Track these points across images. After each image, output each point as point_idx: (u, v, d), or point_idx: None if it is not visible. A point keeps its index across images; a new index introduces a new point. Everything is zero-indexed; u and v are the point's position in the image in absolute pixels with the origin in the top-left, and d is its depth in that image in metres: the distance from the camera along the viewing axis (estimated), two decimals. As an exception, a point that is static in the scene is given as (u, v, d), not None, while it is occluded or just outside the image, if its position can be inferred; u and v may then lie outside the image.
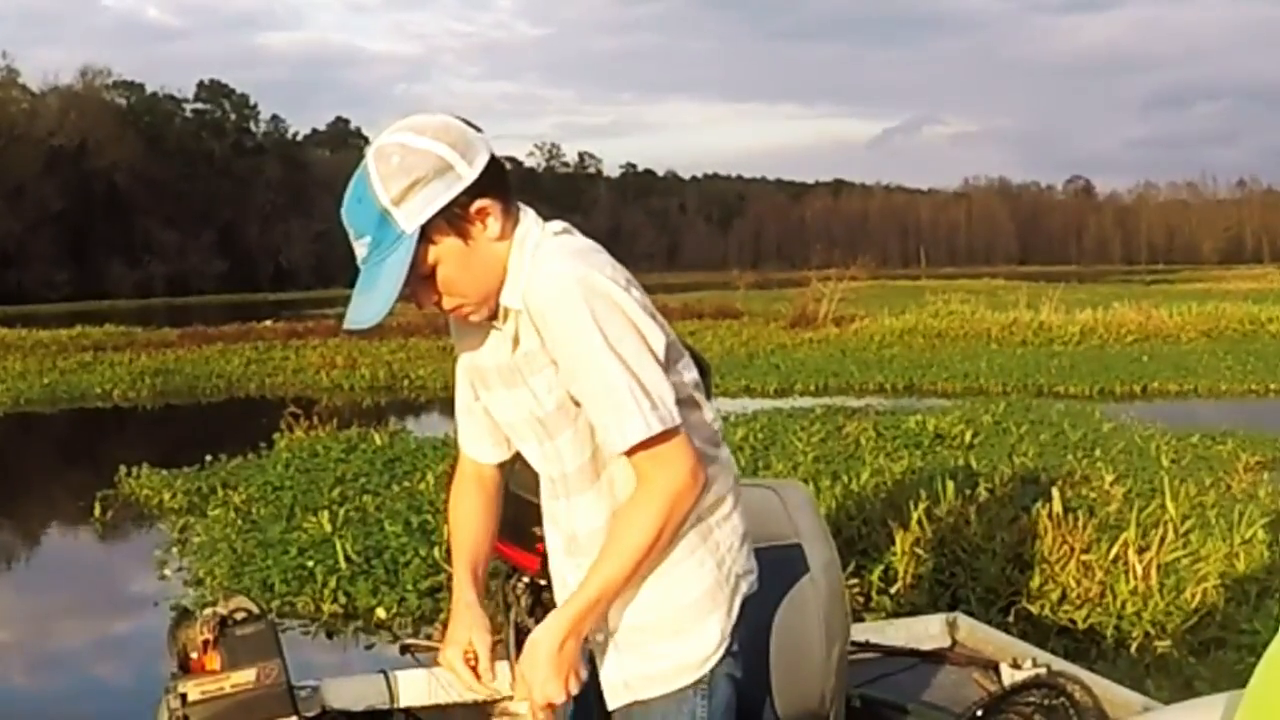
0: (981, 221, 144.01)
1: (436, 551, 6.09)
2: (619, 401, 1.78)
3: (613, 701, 1.99)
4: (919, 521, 5.81)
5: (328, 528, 6.83)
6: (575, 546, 1.99)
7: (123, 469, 9.62)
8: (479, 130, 1.86)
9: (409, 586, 5.96)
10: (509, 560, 3.08)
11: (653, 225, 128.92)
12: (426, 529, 6.65)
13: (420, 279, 1.84)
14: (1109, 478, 7.30)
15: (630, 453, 1.82)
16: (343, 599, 5.99)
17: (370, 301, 1.80)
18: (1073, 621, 5.17)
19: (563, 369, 1.84)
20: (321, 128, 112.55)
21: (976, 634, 3.69)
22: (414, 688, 3.23)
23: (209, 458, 9.77)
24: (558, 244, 1.87)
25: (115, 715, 4.98)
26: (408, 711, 3.21)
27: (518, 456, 2.09)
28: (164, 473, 9.44)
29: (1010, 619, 5.16)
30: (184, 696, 2.62)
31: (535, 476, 2.05)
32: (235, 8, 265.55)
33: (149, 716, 2.84)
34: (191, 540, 7.57)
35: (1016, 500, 6.45)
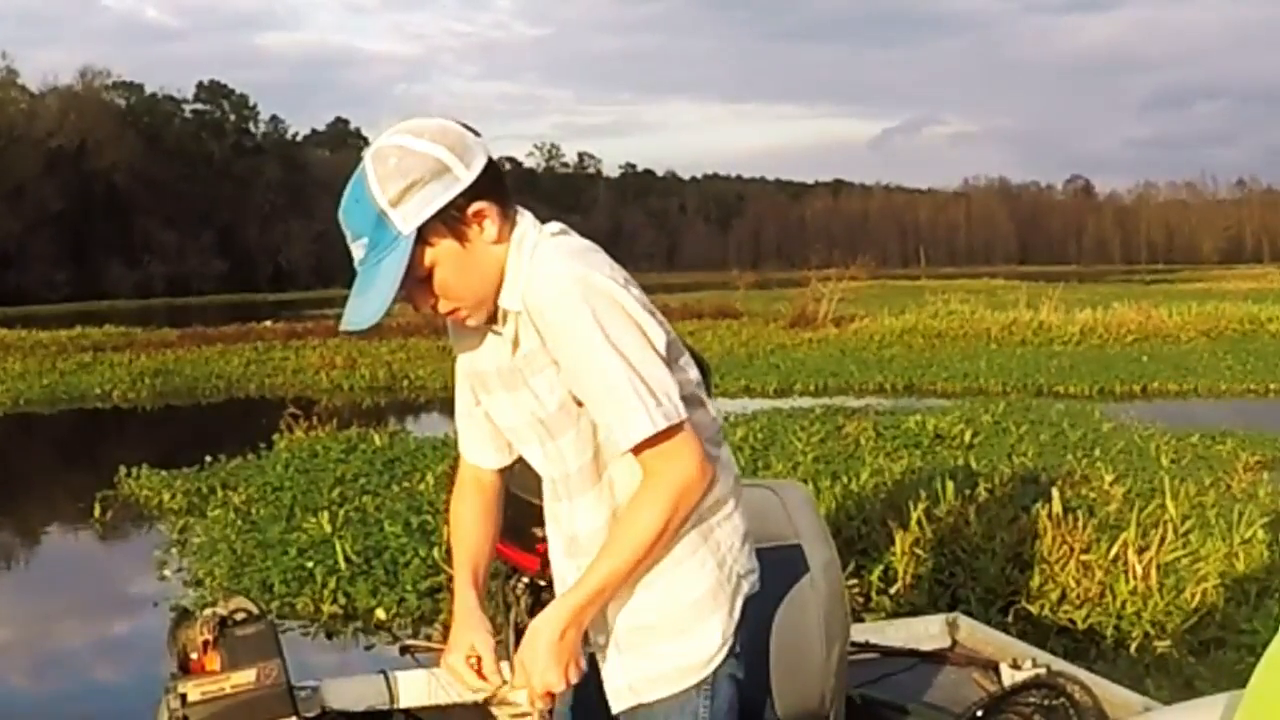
0: (981, 221, 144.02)
1: (436, 552, 6.09)
2: (622, 399, 1.78)
3: (616, 705, 1.99)
4: (919, 521, 5.81)
5: (327, 528, 6.83)
6: (576, 547, 1.99)
7: (122, 469, 9.62)
8: (477, 133, 1.87)
9: (409, 587, 5.96)
10: (509, 561, 3.08)
11: (652, 225, 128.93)
12: (426, 529, 6.65)
13: (417, 281, 1.84)
14: (1109, 478, 7.30)
15: (636, 450, 1.81)
16: (342, 599, 5.99)
17: (367, 303, 1.80)
18: (1072, 621, 5.17)
19: (564, 369, 1.84)
20: (321, 128, 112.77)
21: (976, 634, 3.69)
22: (414, 688, 3.24)
23: (209, 458, 9.76)
24: (555, 245, 1.87)
25: (115, 715, 4.97)
26: (408, 712, 3.22)
27: (519, 458, 2.09)
28: (164, 473, 9.44)
29: (1010, 619, 5.16)
30: (184, 697, 2.62)
31: (535, 477, 2.05)
32: (235, 8, 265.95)
33: (149, 717, 2.84)
34: (191, 541, 7.57)
35: (1016, 500, 6.45)
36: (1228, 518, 6.02)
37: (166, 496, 8.81)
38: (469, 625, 1.99)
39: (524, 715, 1.85)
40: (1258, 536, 5.70)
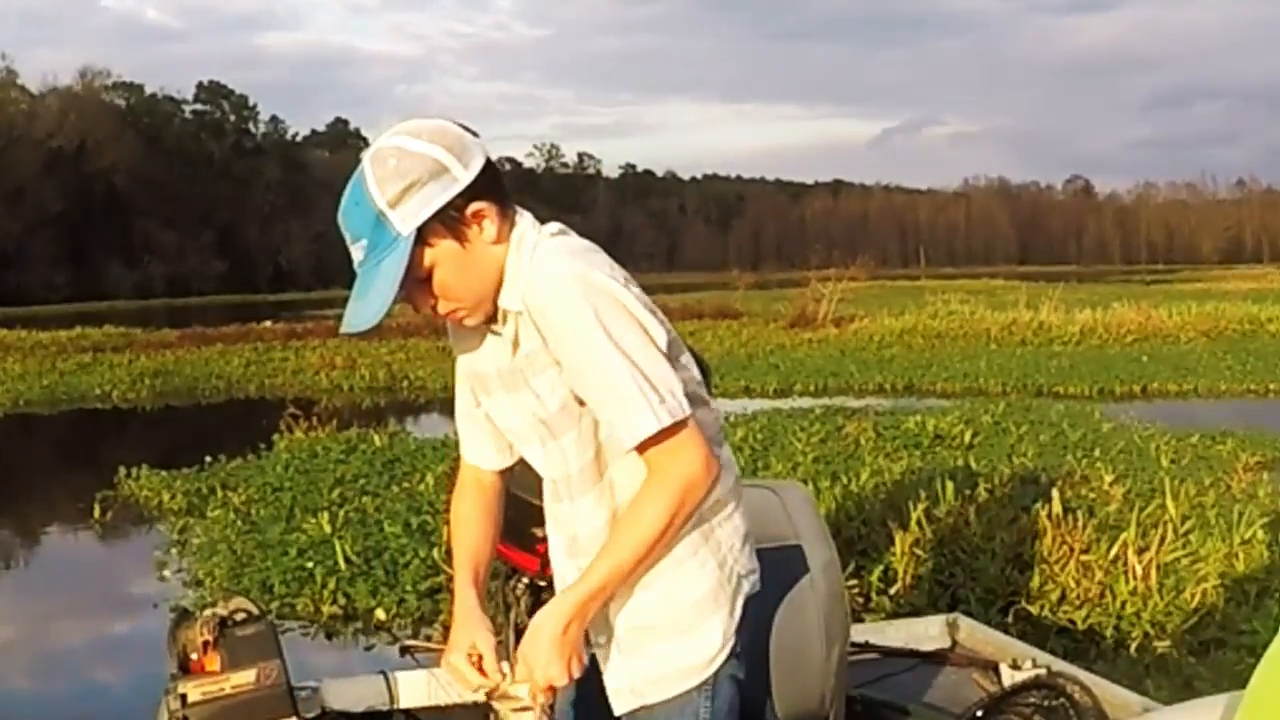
0: (981, 222, 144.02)
1: (436, 552, 6.09)
2: (626, 397, 1.78)
3: (618, 707, 1.99)
4: (918, 522, 5.81)
5: (327, 529, 6.83)
6: (577, 548, 1.99)
7: (122, 470, 9.62)
8: (475, 134, 1.87)
9: (408, 587, 5.96)
10: (509, 561, 3.08)
11: (652, 226, 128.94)
12: (426, 530, 6.65)
13: (416, 282, 1.84)
14: (1108, 478, 7.30)
15: (641, 448, 1.81)
16: (342, 600, 5.99)
17: (367, 304, 1.81)
18: (1072, 622, 5.17)
19: (567, 368, 1.84)
20: (321, 128, 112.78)
21: (976, 635, 3.69)
22: (414, 689, 3.24)
23: (208, 459, 9.76)
24: (555, 244, 1.87)
25: (115, 716, 4.97)
26: (408, 712, 3.22)
27: (519, 458, 2.09)
28: (163, 474, 9.43)
29: (1010, 619, 5.16)
30: (184, 697, 2.62)
31: (535, 477, 2.05)
32: (234, 9, 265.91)
33: (149, 717, 2.84)
34: (191, 541, 7.57)
35: (1016, 500, 6.45)
36: (1227, 518, 6.02)
37: (166, 497, 8.81)
38: (469, 624, 1.99)
39: (525, 709, 1.84)
40: (1258, 537, 5.70)
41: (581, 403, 1.88)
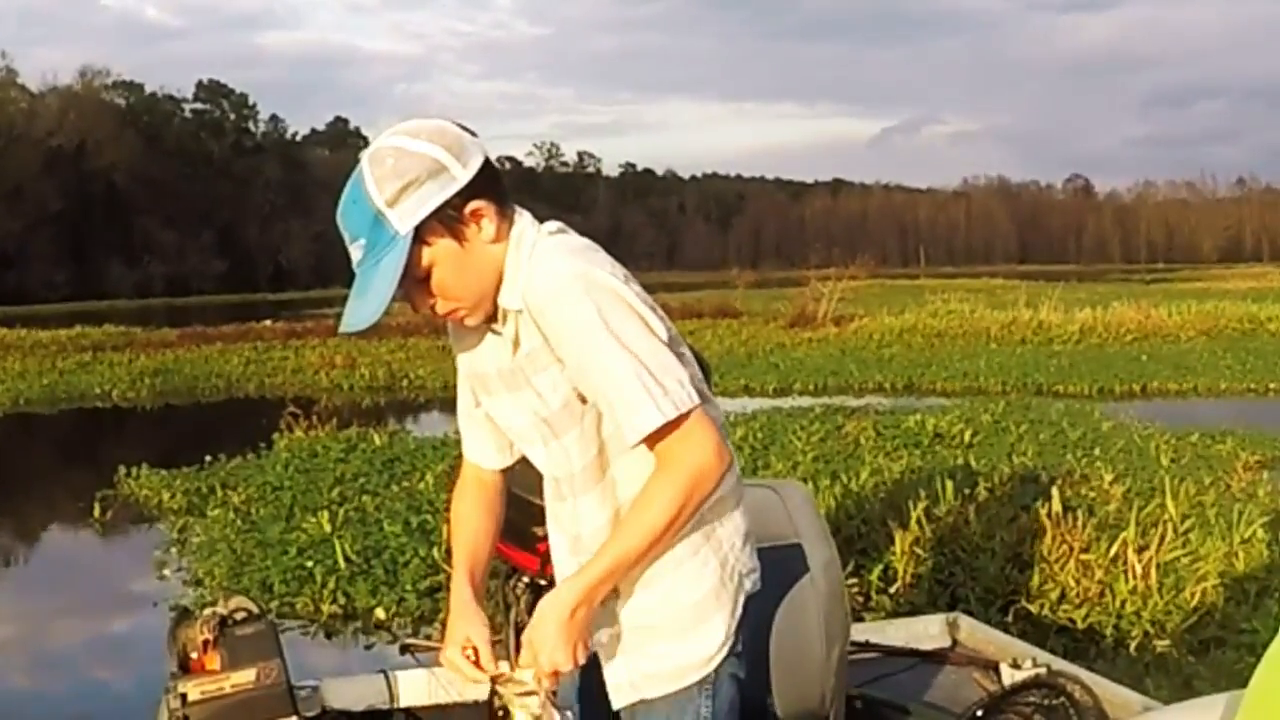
0: (981, 221, 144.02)
1: (436, 552, 6.09)
2: (630, 393, 1.78)
3: (618, 701, 1.99)
4: (918, 521, 5.81)
5: (327, 528, 6.83)
6: (580, 546, 1.98)
7: (122, 469, 9.62)
8: (474, 134, 1.87)
9: (408, 587, 5.96)
10: (509, 560, 3.08)
11: (652, 225, 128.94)
12: (426, 529, 6.65)
13: (415, 282, 1.84)
14: (1108, 477, 7.30)
15: (650, 441, 1.80)
16: (342, 599, 5.99)
17: (365, 304, 1.81)
18: (1072, 621, 5.17)
19: (569, 366, 1.84)
20: (321, 127, 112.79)
21: (976, 634, 3.69)
22: (414, 688, 3.23)
23: (208, 458, 9.77)
24: (554, 243, 1.87)
25: (115, 715, 4.98)
26: (408, 711, 3.21)
27: (521, 457, 2.09)
28: (163, 473, 9.44)
29: (1009, 618, 5.16)
30: (184, 696, 2.62)
31: (536, 476, 2.05)
32: (234, 8, 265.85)
33: (149, 716, 2.84)
34: (191, 540, 7.57)
35: (1016, 499, 6.45)
36: (1227, 517, 6.02)
37: (166, 496, 8.81)
38: (465, 617, 1.99)
39: (530, 694, 1.82)
40: (1257, 536, 5.70)
41: (584, 400, 1.87)
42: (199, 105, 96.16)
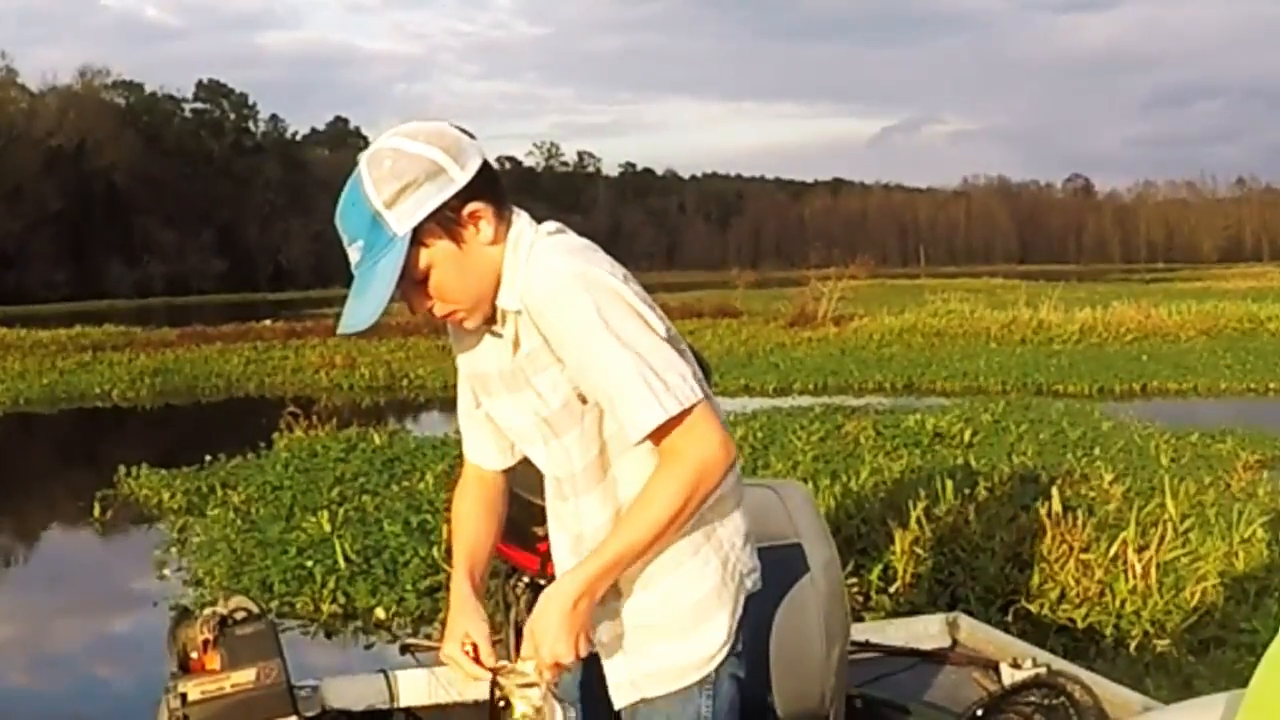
0: (981, 220, 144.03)
1: (435, 551, 6.09)
2: (632, 390, 1.77)
3: (619, 700, 1.99)
4: (918, 520, 5.81)
5: (327, 527, 6.83)
6: (581, 546, 1.98)
7: (122, 469, 9.62)
8: (472, 137, 1.87)
9: (408, 586, 5.96)
10: (509, 560, 3.08)
11: (652, 224, 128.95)
12: (425, 529, 6.65)
13: (413, 283, 1.84)
14: (1108, 476, 7.30)
15: (654, 437, 1.80)
16: (342, 599, 5.99)
17: (363, 305, 1.81)
18: (1072, 620, 5.17)
19: (570, 365, 1.84)
20: (321, 127, 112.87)
21: (976, 634, 3.69)
22: (414, 687, 3.24)
23: (208, 457, 9.77)
24: (553, 243, 1.87)
25: (115, 715, 4.98)
26: (408, 711, 3.22)
27: (522, 457, 2.09)
28: (163, 472, 9.44)
29: (1009, 618, 5.16)
30: (184, 696, 2.63)
31: (536, 476, 2.05)
32: (234, 8, 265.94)
33: (149, 716, 2.84)
34: (191, 540, 7.57)
35: (1016, 499, 6.45)
36: (1227, 517, 6.02)
37: (166, 496, 8.81)
38: (464, 613, 1.99)
39: (530, 685, 1.82)
40: (1257, 535, 5.70)
41: (584, 400, 1.87)
42: (199, 105, 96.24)
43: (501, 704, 1.81)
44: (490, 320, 1.91)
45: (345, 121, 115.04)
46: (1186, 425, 10.37)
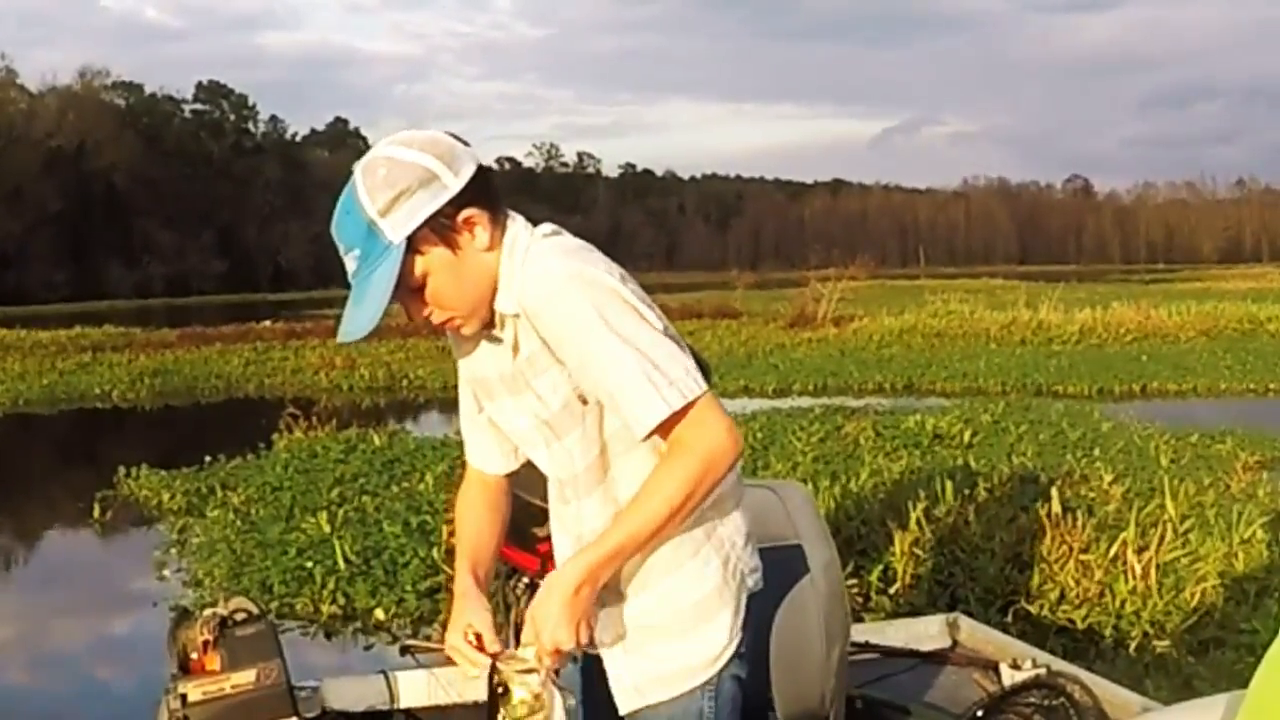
0: (980, 221, 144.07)
1: (435, 552, 6.08)
2: (634, 387, 1.77)
3: (623, 706, 1.99)
4: (918, 521, 5.81)
5: (326, 528, 6.83)
6: (583, 547, 1.98)
7: (122, 469, 9.62)
8: (467, 144, 1.87)
9: (408, 587, 5.96)
10: (509, 561, 3.08)
11: (651, 225, 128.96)
12: (425, 530, 6.65)
13: (410, 291, 1.84)
14: (1108, 477, 7.30)
15: (661, 433, 1.80)
16: (341, 600, 5.99)
17: (360, 314, 1.81)
18: (1071, 621, 5.17)
19: (570, 365, 1.84)
20: (320, 128, 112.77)
21: (976, 634, 3.69)
22: (414, 688, 3.24)
23: (208, 458, 9.76)
24: (548, 245, 1.87)
25: (115, 716, 4.98)
26: (408, 712, 3.22)
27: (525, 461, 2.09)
28: (163, 473, 9.44)
29: (1009, 619, 5.16)
30: (184, 697, 2.63)
31: (537, 477, 2.05)
32: (234, 8, 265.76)
33: (149, 717, 2.85)
34: (190, 541, 7.57)
35: (1015, 500, 6.45)
36: (1227, 517, 6.02)
37: (166, 497, 8.81)
38: (466, 604, 1.99)
39: (529, 671, 1.80)
40: (1257, 536, 5.70)
41: (584, 401, 1.88)
42: (199, 106, 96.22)
43: (500, 690, 1.78)
44: (489, 325, 1.91)
45: (345, 122, 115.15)
46: (1186, 426, 10.37)
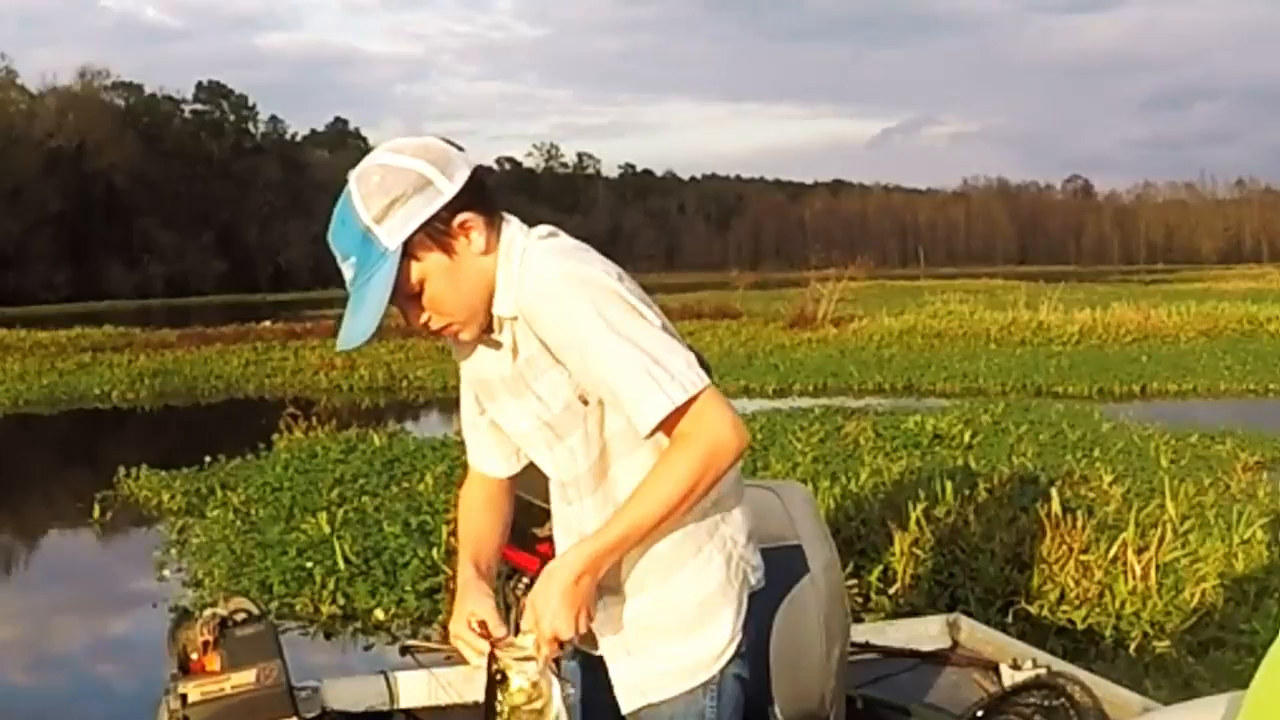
0: (980, 221, 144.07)
1: (435, 553, 6.09)
2: (636, 384, 1.77)
3: (626, 705, 1.99)
4: (918, 522, 5.81)
5: (326, 529, 6.83)
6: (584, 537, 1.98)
7: (121, 470, 9.62)
8: (461, 149, 1.88)
9: (408, 587, 5.96)
10: (509, 562, 3.08)
11: (651, 225, 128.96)
12: (425, 530, 6.64)
13: (408, 297, 1.85)
14: (1108, 478, 7.31)
15: (665, 429, 1.80)
16: (341, 600, 5.99)
17: (359, 321, 1.82)
18: (1071, 622, 5.17)
19: (571, 365, 1.84)
20: (320, 128, 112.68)
21: (976, 635, 3.69)
22: (414, 689, 3.24)
23: (208, 458, 9.76)
24: (545, 246, 1.87)
25: (115, 716, 4.98)
26: (408, 712, 3.22)
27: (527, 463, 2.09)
28: (163, 473, 9.44)
29: (1009, 619, 5.16)
30: (184, 697, 2.63)
31: (538, 478, 2.05)
32: (234, 8, 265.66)
33: (149, 717, 2.85)
34: (190, 541, 7.56)
35: (1015, 500, 6.45)
36: (1227, 518, 6.03)
37: (166, 497, 8.81)
38: (468, 593, 1.99)
39: (528, 659, 1.79)
40: (1257, 536, 5.71)
41: (585, 401, 1.88)
42: (199, 106, 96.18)
43: (498, 677, 1.77)
44: (488, 329, 1.91)
45: (345, 122, 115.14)
46: (1186, 426, 10.37)
